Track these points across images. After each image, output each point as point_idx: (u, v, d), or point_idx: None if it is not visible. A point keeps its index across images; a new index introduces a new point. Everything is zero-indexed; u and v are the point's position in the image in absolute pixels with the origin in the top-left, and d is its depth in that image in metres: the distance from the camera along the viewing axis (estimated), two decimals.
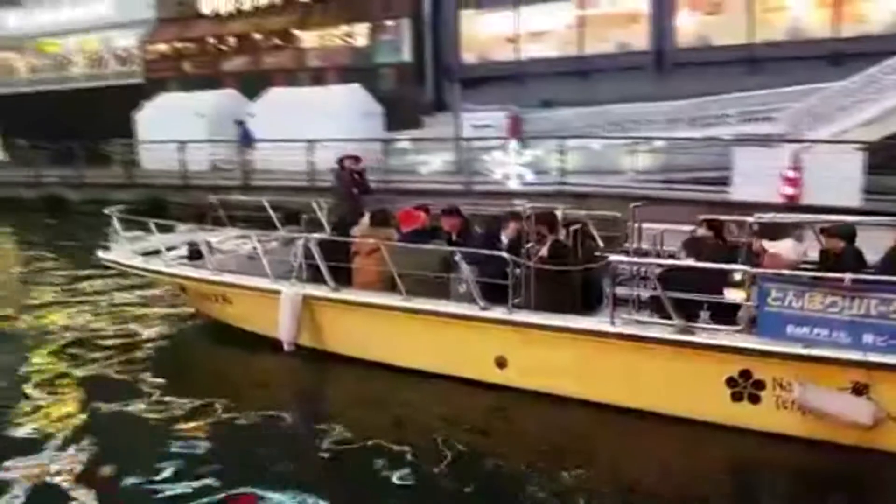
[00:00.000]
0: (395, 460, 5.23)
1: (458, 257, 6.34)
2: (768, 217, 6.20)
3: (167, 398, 6.45)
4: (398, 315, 6.74)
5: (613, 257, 6.05)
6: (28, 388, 6.84)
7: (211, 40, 25.24)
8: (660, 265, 5.91)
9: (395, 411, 6.20)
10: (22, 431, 5.92)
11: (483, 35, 21.31)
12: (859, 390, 5.05)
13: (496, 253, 6.35)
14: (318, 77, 23.23)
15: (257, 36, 24.36)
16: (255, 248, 7.77)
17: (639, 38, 19.09)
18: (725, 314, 5.59)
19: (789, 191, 11.16)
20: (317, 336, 7.37)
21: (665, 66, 18.43)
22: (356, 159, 9.33)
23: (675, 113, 16.62)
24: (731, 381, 5.49)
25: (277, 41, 24.16)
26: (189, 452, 5.46)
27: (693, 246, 6.24)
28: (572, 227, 6.47)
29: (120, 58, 27.56)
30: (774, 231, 6.30)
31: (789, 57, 16.57)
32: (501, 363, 6.36)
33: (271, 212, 8.93)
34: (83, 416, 6.14)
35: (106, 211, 8.75)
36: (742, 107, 15.88)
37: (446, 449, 5.38)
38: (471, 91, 18.46)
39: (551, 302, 6.12)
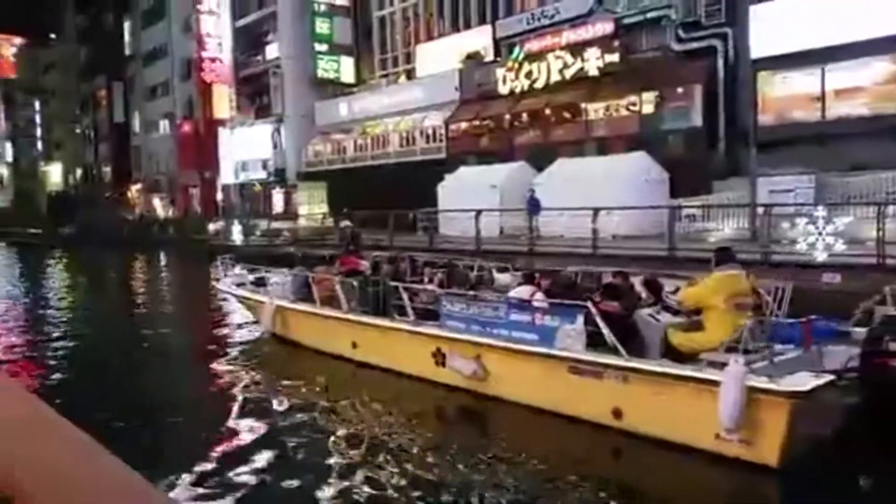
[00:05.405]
0: (283, 399, 9.36)
1: (336, 281, 11.11)
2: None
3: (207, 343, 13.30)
4: (310, 316, 11.42)
5: (391, 282, 10.28)
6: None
7: (506, 117, 27.19)
8: (405, 287, 10.18)
9: (296, 370, 10.77)
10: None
11: (782, 95, 19.98)
12: (478, 358, 8.53)
13: (352, 280, 10.86)
14: (603, 146, 23.73)
15: (547, 111, 25.65)
16: (271, 279, 13.22)
17: None
18: None
19: None
20: (284, 329, 12.12)
21: None
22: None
23: None
24: (434, 354, 9.13)
25: (566, 115, 25.13)
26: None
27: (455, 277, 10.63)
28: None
29: (427, 136, 30.98)
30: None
31: None
32: (355, 345, 10.56)
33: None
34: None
35: (218, 258, 15.53)
36: None
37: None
38: (766, 154, 17.45)
39: (394, 308, 10.03)
